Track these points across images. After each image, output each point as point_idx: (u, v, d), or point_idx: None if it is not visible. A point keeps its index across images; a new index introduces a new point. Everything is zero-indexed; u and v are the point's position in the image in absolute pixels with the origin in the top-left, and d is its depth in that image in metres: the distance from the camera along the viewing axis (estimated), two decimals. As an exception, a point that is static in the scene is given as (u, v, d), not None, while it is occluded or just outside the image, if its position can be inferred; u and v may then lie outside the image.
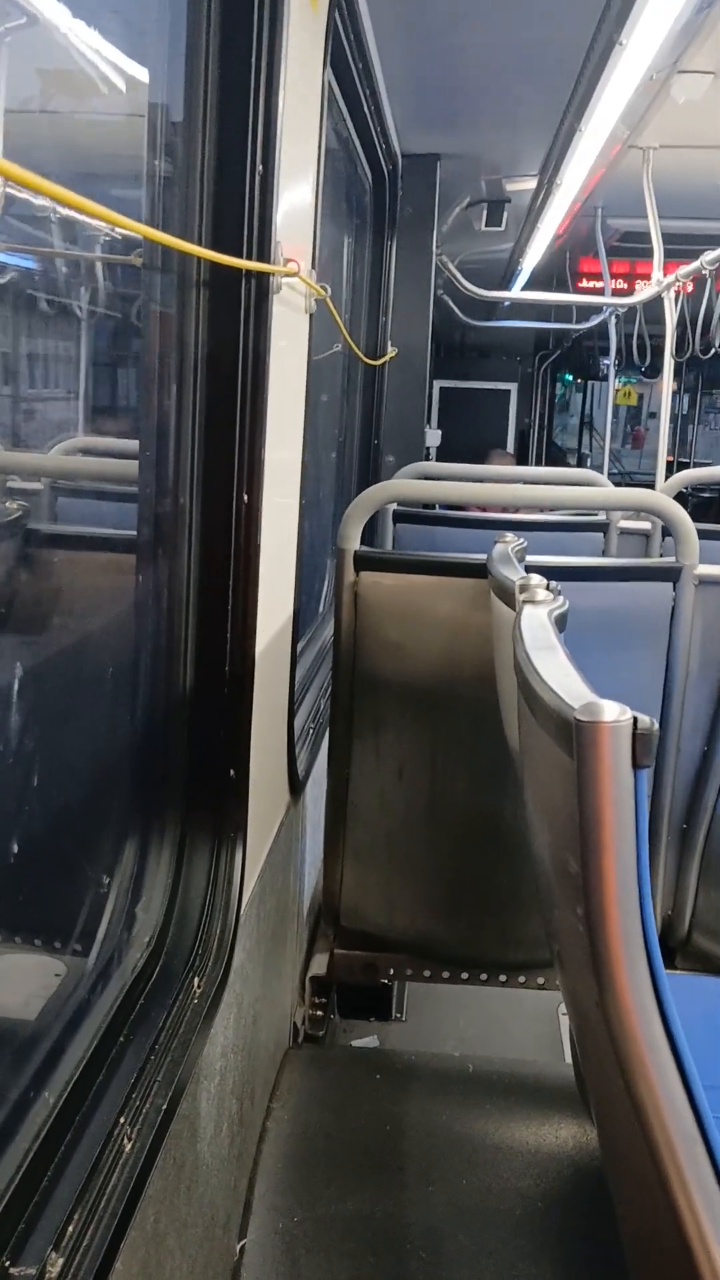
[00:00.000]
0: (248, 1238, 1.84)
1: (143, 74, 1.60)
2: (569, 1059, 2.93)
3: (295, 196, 1.69)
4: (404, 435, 5.10)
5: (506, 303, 8.33)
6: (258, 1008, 1.97)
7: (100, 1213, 1.05)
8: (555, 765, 1.00)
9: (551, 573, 1.70)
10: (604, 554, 3.66)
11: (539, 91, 3.65)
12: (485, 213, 5.42)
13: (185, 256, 1.47)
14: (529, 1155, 2.08)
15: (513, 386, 11.72)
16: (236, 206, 1.46)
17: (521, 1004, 3.10)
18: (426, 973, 2.66)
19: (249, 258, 1.47)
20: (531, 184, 5.01)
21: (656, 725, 0.89)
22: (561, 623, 1.45)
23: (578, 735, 0.89)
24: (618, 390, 10.83)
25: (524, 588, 1.57)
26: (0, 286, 1.55)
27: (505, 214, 5.48)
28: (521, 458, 11.27)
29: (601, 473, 5.47)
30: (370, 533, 2.60)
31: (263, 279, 1.51)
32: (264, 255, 1.49)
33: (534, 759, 1.18)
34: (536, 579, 1.61)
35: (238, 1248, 1.81)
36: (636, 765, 0.89)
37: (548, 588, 1.58)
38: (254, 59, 1.43)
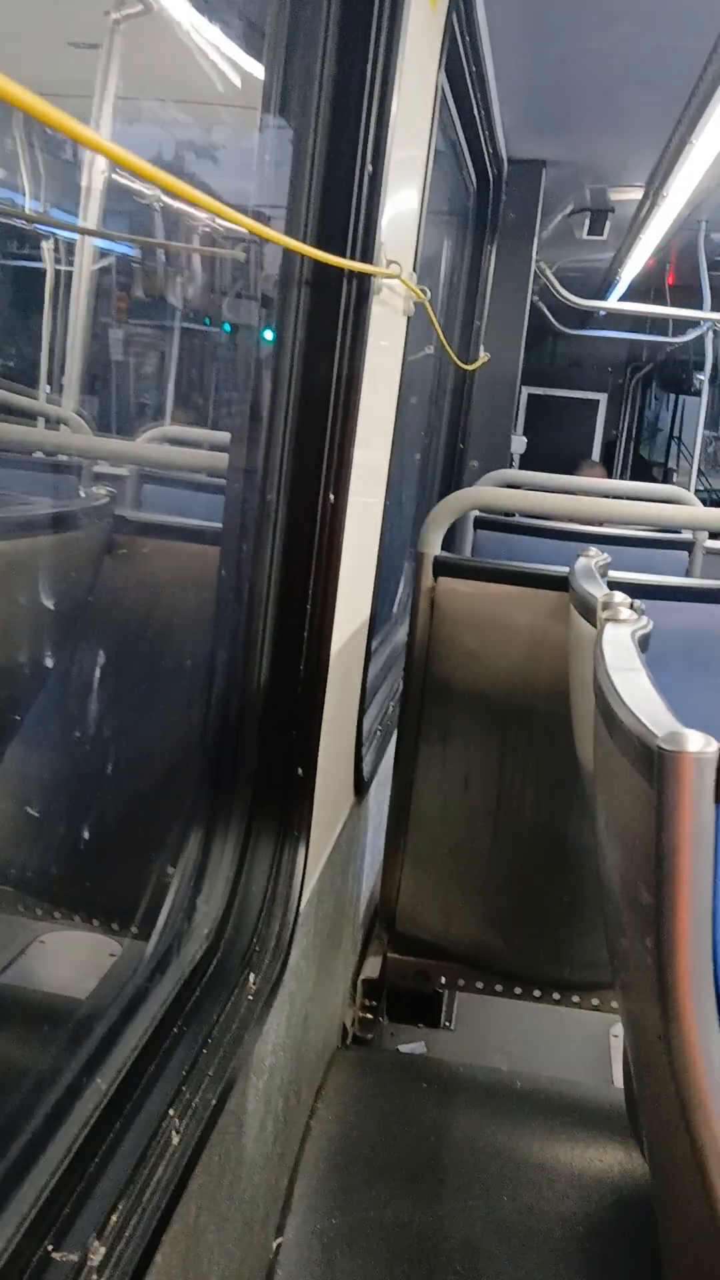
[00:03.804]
0: (285, 1236, 1.84)
1: (256, 68, 1.61)
2: (618, 1082, 2.89)
3: (402, 198, 1.68)
4: (490, 441, 5.07)
5: (601, 312, 8.24)
6: (309, 1007, 1.97)
7: (144, 1204, 1.05)
8: (633, 792, 0.98)
9: (636, 591, 1.67)
10: (688, 573, 3.61)
11: (652, 101, 3.61)
12: (588, 221, 5.36)
13: (288, 254, 1.47)
14: (573, 1178, 2.05)
15: (602, 397, 11.60)
16: (343, 206, 1.45)
17: (571, 1022, 3.06)
18: (479, 984, 2.64)
19: (352, 258, 1.46)
20: (637, 194, 4.95)
21: (743, 758, 0.86)
22: (644, 643, 1.42)
23: (660, 764, 0.87)
24: None
25: (607, 605, 1.54)
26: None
27: (608, 223, 5.41)
28: (608, 469, 11.15)
29: (689, 489, 5.39)
30: (449, 538, 2.58)
31: (364, 280, 1.50)
32: (367, 256, 1.48)
33: (609, 782, 1.16)
34: (620, 597, 1.58)
35: (274, 1245, 1.81)
36: (720, 799, 0.86)
37: (631, 606, 1.55)
38: (370, 59, 1.42)
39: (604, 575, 2.09)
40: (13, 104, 0.66)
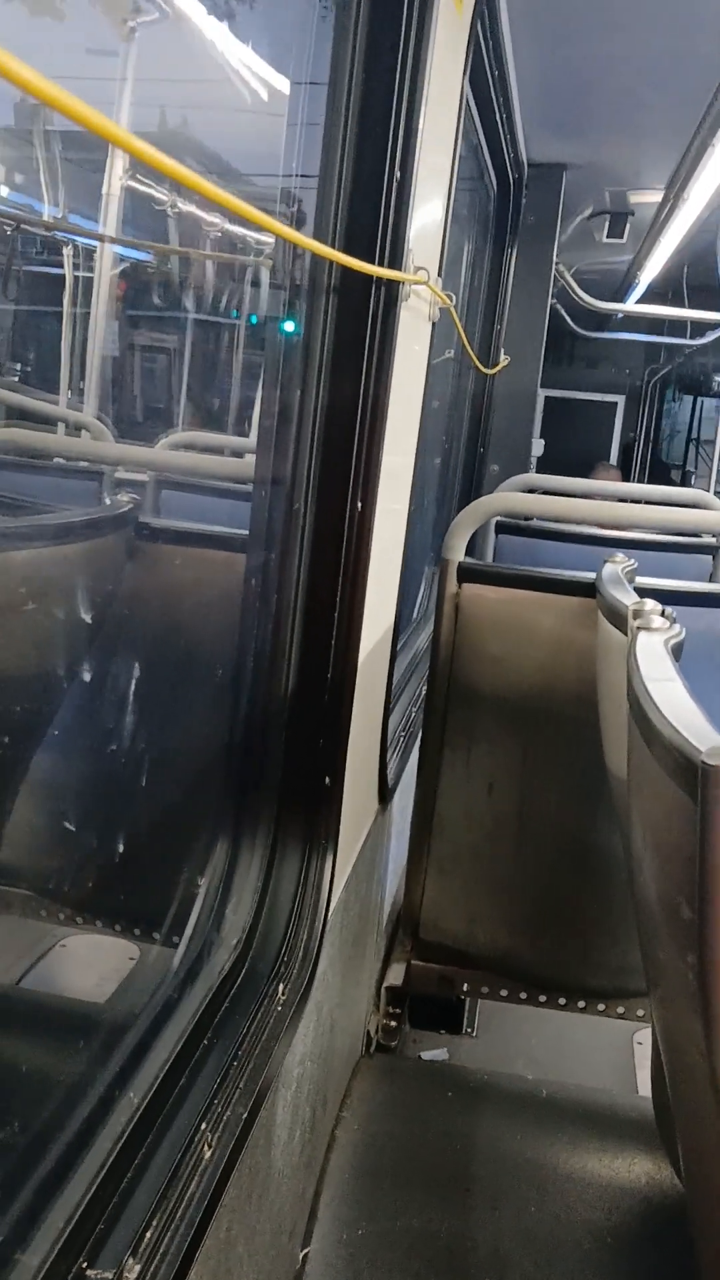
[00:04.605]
0: (311, 1246, 1.83)
1: (283, 79, 1.60)
2: (642, 1089, 2.87)
3: (428, 204, 1.67)
4: (510, 445, 5.05)
5: (620, 315, 8.22)
6: (335, 1015, 1.96)
7: (178, 1220, 1.05)
8: (672, 804, 0.96)
9: (663, 597, 1.66)
10: (712, 578, 3.59)
11: (672, 105, 3.59)
12: (607, 224, 5.34)
13: (316, 260, 1.46)
14: (600, 1188, 2.04)
15: (620, 399, 11.56)
16: (371, 213, 1.44)
17: (595, 1029, 3.05)
18: (503, 991, 2.63)
19: (380, 264, 1.46)
20: (656, 197, 4.93)
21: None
22: (678, 652, 1.41)
23: (704, 779, 0.85)
24: None
25: (638, 613, 1.53)
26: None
27: (627, 226, 5.40)
28: (625, 472, 11.11)
29: (708, 491, 5.36)
30: (471, 542, 2.58)
31: (392, 286, 1.50)
32: (395, 262, 1.47)
33: (646, 793, 1.15)
34: (651, 604, 1.57)
35: (301, 1256, 1.80)
36: (765, 814, 0.85)
37: (663, 614, 1.54)
38: (398, 67, 1.41)
39: (631, 581, 2.08)
40: (50, 104, 0.65)
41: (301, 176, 1.47)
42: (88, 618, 1.91)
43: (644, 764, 1.11)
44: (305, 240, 1.31)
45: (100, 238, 3.45)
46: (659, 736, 1.00)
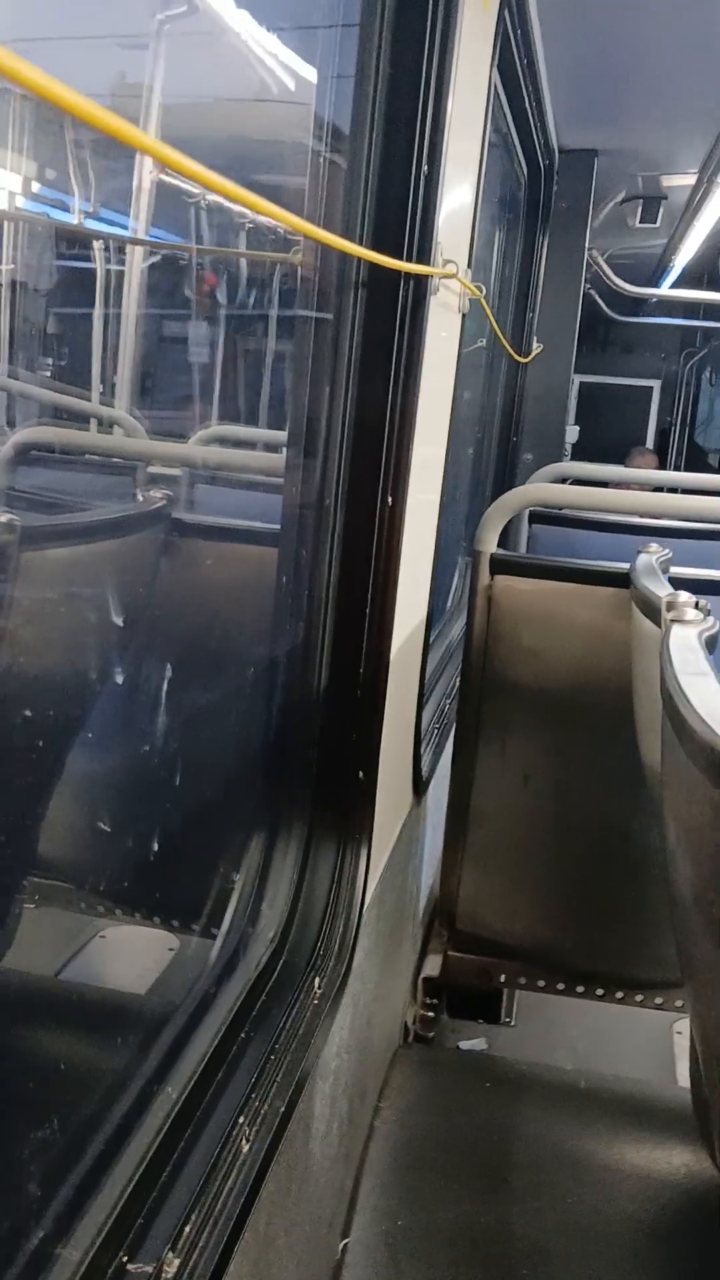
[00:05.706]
0: (351, 1237, 1.84)
1: (309, 72, 1.60)
2: (681, 1080, 2.86)
3: (457, 198, 1.67)
4: (544, 433, 5.03)
5: (654, 299, 8.16)
6: (372, 1007, 1.97)
7: (217, 1215, 1.06)
8: (704, 800, 0.96)
9: (699, 587, 1.65)
10: (750, 566, 3.55)
11: (705, 88, 3.56)
12: (640, 209, 5.30)
13: (344, 255, 1.46)
14: (640, 1179, 2.03)
15: (655, 384, 11.46)
16: (399, 208, 1.44)
17: (634, 1019, 3.04)
18: (541, 982, 2.63)
19: (408, 259, 1.45)
20: (690, 180, 4.89)
21: None
22: (712, 644, 1.40)
23: (734, 775, 0.85)
24: None
25: (672, 605, 1.52)
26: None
27: (660, 210, 5.35)
28: (662, 457, 11.01)
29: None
30: (504, 532, 2.56)
31: (421, 280, 1.49)
32: (424, 257, 1.47)
33: (678, 787, 1.14)
34: (685, 596, 1.56)
35: (340, 1247, 1.81)
36: None
37: (697, 606, 1.53)
38: (425, 61, 1.41)
39: (666, 571, 2.06)
40: (66, 110, 0.65)
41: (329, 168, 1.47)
42: (122, 616, 1.92)
43: (676, 758, 1.10)
44: (332, 238, 1.31)
45: (135, 241, 3.45)
46: (690, 732, 0.99)
